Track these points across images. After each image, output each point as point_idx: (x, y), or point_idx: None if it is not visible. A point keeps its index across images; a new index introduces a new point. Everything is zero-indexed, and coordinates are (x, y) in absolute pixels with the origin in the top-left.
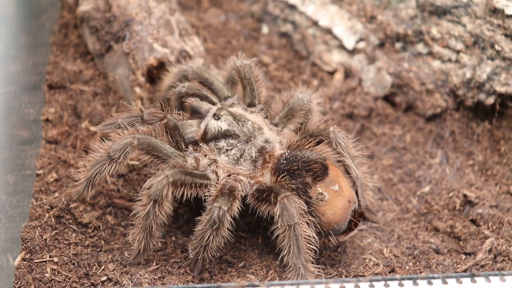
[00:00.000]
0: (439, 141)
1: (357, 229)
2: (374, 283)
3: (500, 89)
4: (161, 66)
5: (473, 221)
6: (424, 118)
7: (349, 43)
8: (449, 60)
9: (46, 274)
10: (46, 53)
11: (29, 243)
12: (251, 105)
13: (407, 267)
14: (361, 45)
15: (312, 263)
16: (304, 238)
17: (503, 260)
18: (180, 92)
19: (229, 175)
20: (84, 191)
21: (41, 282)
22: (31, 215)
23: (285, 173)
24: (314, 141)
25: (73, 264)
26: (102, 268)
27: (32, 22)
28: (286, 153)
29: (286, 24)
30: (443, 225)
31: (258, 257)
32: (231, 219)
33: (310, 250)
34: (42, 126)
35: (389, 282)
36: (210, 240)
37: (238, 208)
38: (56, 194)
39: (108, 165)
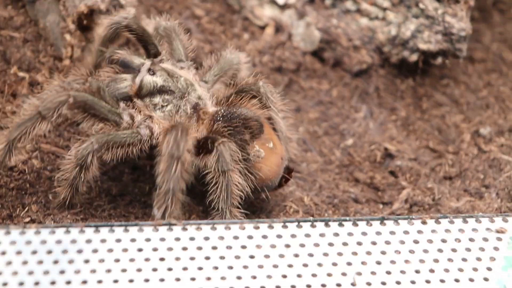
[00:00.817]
0: (364, 97)
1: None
2: (287, 223)
3: (423, 46)
4: (92, 13)
5: (392, 173)
6: (351, 73)
7: None
8: (376, 17)
9: None
10: None
11: None
12: (179, 60)
13: (326, 215)
14: (292, 0)
15: (238, 208)
16: (234, 184)
17: (418, 210)
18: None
19: (163, 131)
20: (6, 157)
21: None
22: None
23: (223, 130)
24: (246, 97)
25: None
26: (25, 210)
27: None
28: (222, 110)
29: None
30: (363, 176)
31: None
32: None
33: (237, 197)
34: None
35: (301, 223)
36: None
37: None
38: None
39: (38, 124)
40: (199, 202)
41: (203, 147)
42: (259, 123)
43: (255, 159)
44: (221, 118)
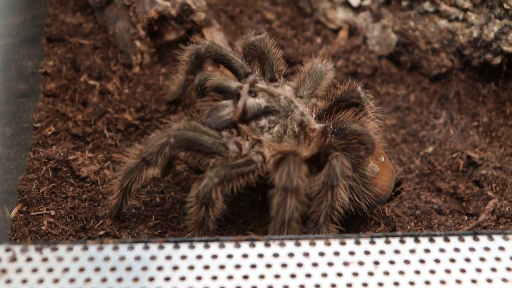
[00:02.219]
0: (443, 102)
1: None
2: (375, 239)
3: (508, 48)
4: (162, 19)
5: (477, 182)
6: (429, 78)
7: (355, 0)
8: (456, 19)
9: (43, 227)
10: (45, 5)
11: (25, 195)
12: (272, 79)
13: (409, 227)
14: (367, 2)
15: (335, 224)
16: (338, 200)
17: (506, 221)
18: (201, 81)
19: (273, 155)
20: (123, 202)
21: (37, 235)
22: (28, 168)
23: (337, 145)
24: (348, 108)
25: (70, 217)
26: (99, 222)
27: None
28: (331, 126)
29: None
30: (446, 185)
31: (258, 214)
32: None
33: (337, 213)
34: (40, 79)
35: (390, 239)
36: (288, 204)
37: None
38: (54, 148)
39: (145, 170)
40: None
41: (315, 163)
42: (371, 138)
43: (371, 175)
44: (332, 134)
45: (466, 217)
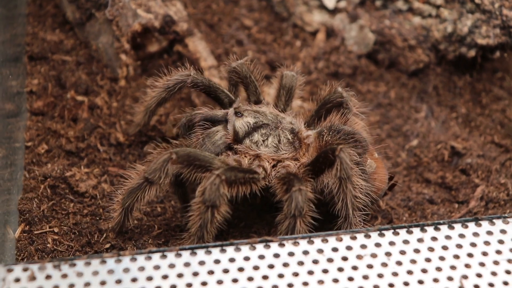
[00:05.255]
0: (423, 96)
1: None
2: (383, 231)
3: (482, 41)
4: (146, 31)
5: (463, 171)
6: (407, 73)
7: (330, 3)
8: (430, 15)
9: (48, 245)
10: (24, 24)
11: (27, 215)
12: (257, 102)
13: (404, 218)
14: (342, 4)
15: (360, 211)
16: (357, 187)
17: (494, 206)
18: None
19: (274, 166)
20: (125, 220)
21: (43, 253)
22: (25, 187)
23: (337, 141)
24: (332, 109)
25: (74, 233)
26: (104, 236)
27: None
28: (325, 130)
29: None
30: (434, 176)
31: (258, 217)
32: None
33: (361, 200)
34: (26, 98)
35: (398, 230)
36: (298, 227)
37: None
38: (49, 165)
39: (148, 190)
40: (275, 216)
41: (314, 168)
42: (364, 137)
43: (371, 170)
44: (328, 136)
45: (457, 205)
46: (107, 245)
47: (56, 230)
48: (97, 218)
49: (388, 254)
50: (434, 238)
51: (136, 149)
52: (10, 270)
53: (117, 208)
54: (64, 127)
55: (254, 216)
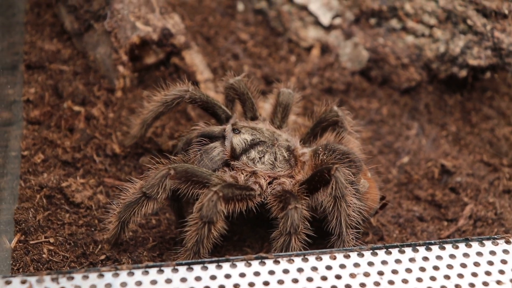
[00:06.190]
0: (414, 113)
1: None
2: (376, 250)
3: (473, 62)
4: (144, 43)
5: (453, 189)
6: (400, 91)
7: (325, 19)
8: (423, 35)
9: (44, 255)
10: (22, 32)
11: (23, 224)
12: (253, 118)
13: (394, 235)
14: (337, 21)
15: (353, 229)
16: (350, 206)
17: (482, 225)
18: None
19: (270, 183)
20: (121, 233)
21: (39, 263)
22: (21, 196)
23: (331, 160)
24: (328, 127)
25: (69, 244)
26: (99, 247)
27: (1, 1)
28: (321, 149)
29: (260, 1)
30: (424, 193)
31: (251, 230)
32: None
33: (354, 218)
34: (23, 107)
35: (390, 250)
36: (293, 244)
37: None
38: (45, 175)
39: (145, 205)
40: (267, 230)
41: (309, 186)
42: (358, 157)
43: (364, 190)
44: (324, 155)
45: (446, 223)
46: (102, 257)
47: (51, 240)
48: (92, 229)
49: (380, 273)
50: (425, 258)
51: (132, 160)
52: (8, 282)
53: (113, 220)
54: (60, 136)
55: (248, 230)
